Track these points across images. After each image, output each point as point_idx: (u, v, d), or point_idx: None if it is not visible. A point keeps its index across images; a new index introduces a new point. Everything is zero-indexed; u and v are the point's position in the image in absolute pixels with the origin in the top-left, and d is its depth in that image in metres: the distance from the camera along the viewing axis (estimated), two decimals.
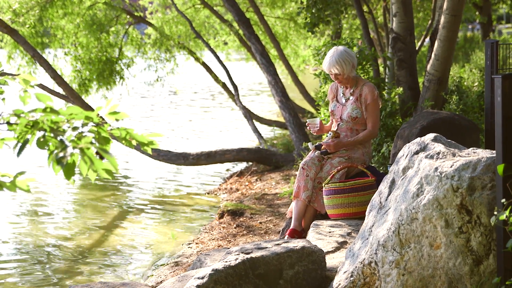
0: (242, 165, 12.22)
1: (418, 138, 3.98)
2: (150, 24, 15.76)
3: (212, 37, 18.89)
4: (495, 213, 3.21)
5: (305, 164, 5.39)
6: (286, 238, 5.20)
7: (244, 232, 7.53)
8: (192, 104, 23.17)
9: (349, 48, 5.85)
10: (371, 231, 3.81)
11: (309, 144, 5.61)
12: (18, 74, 2.47)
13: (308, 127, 5.62)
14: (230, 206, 8.48)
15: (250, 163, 11.94)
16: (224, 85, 14.79)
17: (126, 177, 11.96)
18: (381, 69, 10.14)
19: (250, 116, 13.19)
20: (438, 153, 3.70)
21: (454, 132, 5.59)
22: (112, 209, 9.73)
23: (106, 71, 14.28)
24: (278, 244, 4.17)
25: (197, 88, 28.62)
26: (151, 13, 17.15)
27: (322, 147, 5.48)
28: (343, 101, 5.58)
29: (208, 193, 10.45)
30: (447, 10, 7.15)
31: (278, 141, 13.92)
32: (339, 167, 5.29)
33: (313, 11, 9.54)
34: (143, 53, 15.60)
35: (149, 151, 2.40)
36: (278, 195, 9.17)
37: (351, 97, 5.54)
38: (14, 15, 12.97)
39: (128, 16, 15.04)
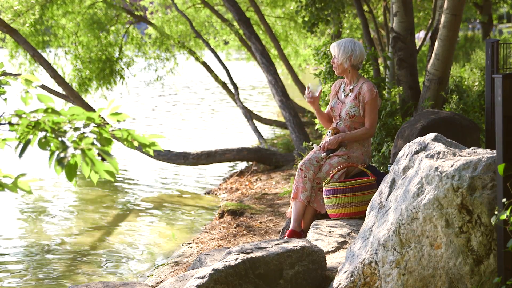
0: (242, 165, 12.21)
1: (419, 138, 3.98)
2: (151, 24, 15.76)
3: (212, 37, 18.90)
4: (496, 212, 3.21)
5: (303, 165, 5.38)
6: (285, 238, 5.20)
7: (244, 232, 7.53)
8: (192, 104, 23.16)
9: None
10: (372, 231, 3.81)
11: (314, 146, 5.58)
12: (20, 74, 2.48)
13: (307, 91, 5.59)
14: (230, 205, 8.48)
15: (250, 163, 11.94)
16: (224, 85, 14.79)
17: (126, 177, 11.96)
18: (381, 68, 10.14)
19: (250, 115, 13.20)
20: (439, 153, 3.70)
21: (454, 132, 5.58)
22: (112, 209, 9.73)
23: (106, 70, 14.27)
24: (278, 244, 4.17)
25: (197, 88, 28.60)
26: (151, 13, 17.16)
27: (322, 145, 5.45)
28: (343, 97, 5.59)
29: (208, 193, 10.44)
30: (447, 10, 7.15)
31: (278, 141, 13.93)
32: (339, 167, 5.29)
33: (312, 10, 9.52)
34: (144, 53, 15.59)
35: (151, 153, 2.40)
36: (278, 194, 9.17)
37: (350, 94, 5.54)
38: (14, 14, 12.96)
39: (128, 15, 15.04)
